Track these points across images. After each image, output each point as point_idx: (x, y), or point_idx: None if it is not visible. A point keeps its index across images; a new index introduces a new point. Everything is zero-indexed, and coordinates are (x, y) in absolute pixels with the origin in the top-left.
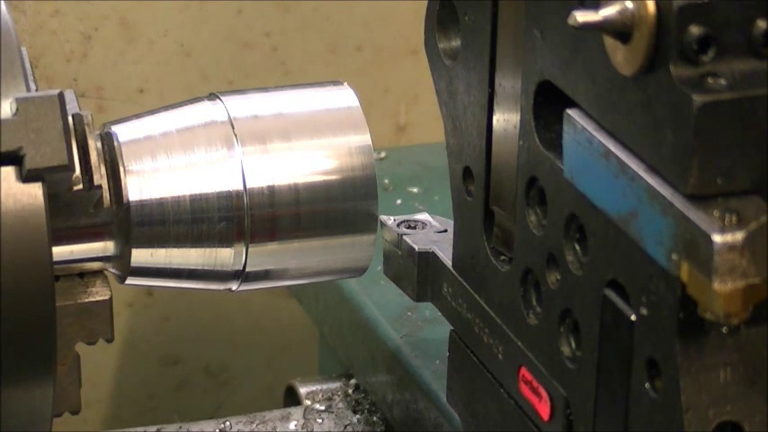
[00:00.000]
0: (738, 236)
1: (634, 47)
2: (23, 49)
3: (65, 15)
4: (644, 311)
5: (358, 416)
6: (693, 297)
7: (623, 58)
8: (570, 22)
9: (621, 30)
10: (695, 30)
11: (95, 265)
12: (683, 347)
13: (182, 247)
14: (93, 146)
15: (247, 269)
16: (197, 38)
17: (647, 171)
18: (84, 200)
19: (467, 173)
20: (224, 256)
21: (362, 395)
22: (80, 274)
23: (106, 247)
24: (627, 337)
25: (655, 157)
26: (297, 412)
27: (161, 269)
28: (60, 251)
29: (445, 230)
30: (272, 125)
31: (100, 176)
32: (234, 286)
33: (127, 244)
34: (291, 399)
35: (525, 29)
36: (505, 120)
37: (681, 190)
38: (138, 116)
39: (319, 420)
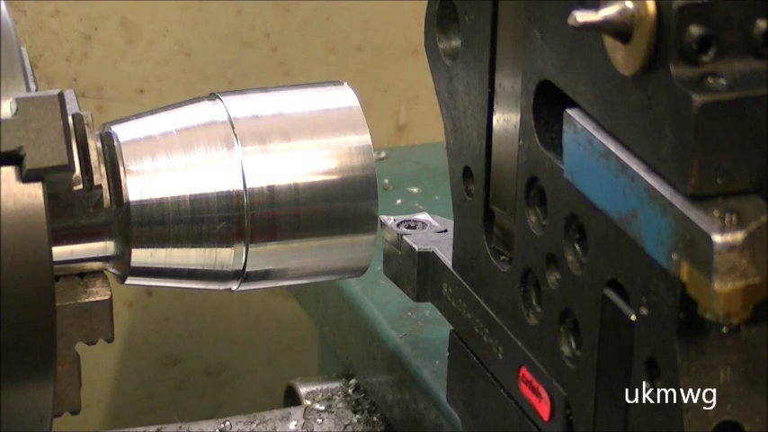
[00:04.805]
0: (738, 236)
1: (634, 47)
2: (23, 49)
3: (65, 15)
4: (644, 311)
5: (358, 416)
6: (693, 297)
7: (623, 58)
8: (570, 22)
9: (621, 30)
10: (695, 30)
11: (95, 265)
12: (683, 347)
13: (182, 247)
14: (93, 146)
15: (247, 269)
16: (197, 38)
17: (647, 171)
18: (84, 200)
19: (467, 173)
20: (224, 256)
21: (362, 395)
22: (80, 274)
23: (106, 247)
24: (627, 337)
25: (655, 157)
26: (297, 412)
27: (161, 269)
28: (60, 251)
29: (445, 230)
30: (272, 125)
31: (100, 176)
32: (234, 286)
33: (127, 244)
34: (291, 399)
35: (525, 29)
36: (505, 120)
37: (681, 190)
38: (138, 116)
39: (319, 420)
